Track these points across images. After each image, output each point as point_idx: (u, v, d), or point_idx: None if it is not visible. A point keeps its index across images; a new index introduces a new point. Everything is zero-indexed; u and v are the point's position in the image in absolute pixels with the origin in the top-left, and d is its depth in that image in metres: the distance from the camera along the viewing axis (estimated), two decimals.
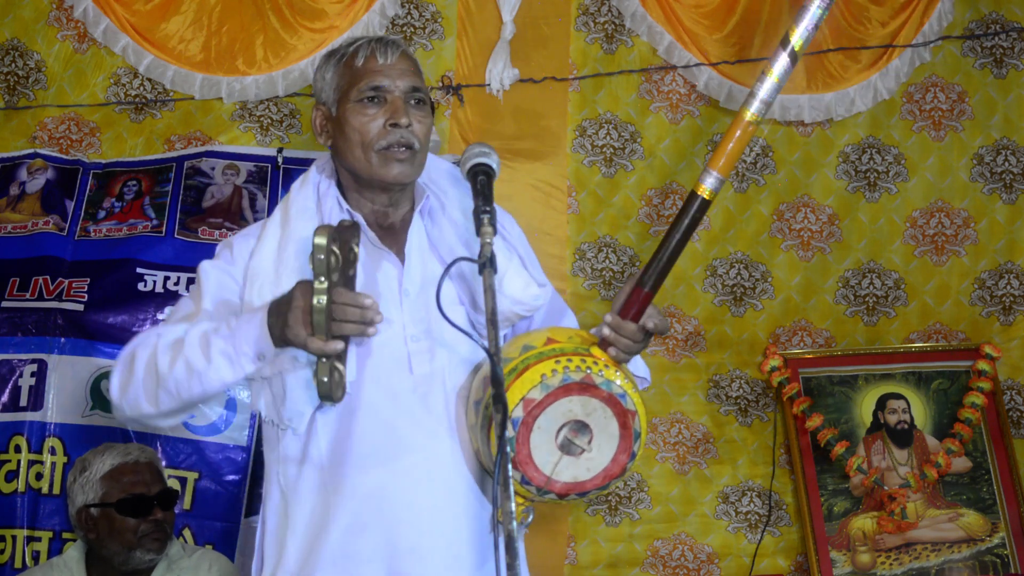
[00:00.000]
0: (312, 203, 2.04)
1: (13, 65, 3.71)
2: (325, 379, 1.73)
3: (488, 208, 1.82)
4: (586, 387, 1.85)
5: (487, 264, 1.75)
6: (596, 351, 1.89)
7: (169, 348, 1.87)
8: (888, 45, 3.75)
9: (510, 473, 1.68)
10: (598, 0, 3.80)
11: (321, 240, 1.68)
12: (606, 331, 1.89)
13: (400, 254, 2.02)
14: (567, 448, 1.87)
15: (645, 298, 1.89)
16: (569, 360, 1.86)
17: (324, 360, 1.73)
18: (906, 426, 3.69)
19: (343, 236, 1.74)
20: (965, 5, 3.85)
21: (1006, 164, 3.83)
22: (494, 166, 1.92)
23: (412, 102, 2.01)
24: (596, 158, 3.77)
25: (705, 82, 3.75)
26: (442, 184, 2.08)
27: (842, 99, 3.74)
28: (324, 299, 1.68)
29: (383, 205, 2.05)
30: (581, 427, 1.87)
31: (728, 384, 3.77)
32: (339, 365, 1.77)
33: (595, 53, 3.79)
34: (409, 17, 3.76)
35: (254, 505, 3.35)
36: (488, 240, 1.78)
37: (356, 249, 1.78)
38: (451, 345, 1.94)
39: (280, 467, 1.99)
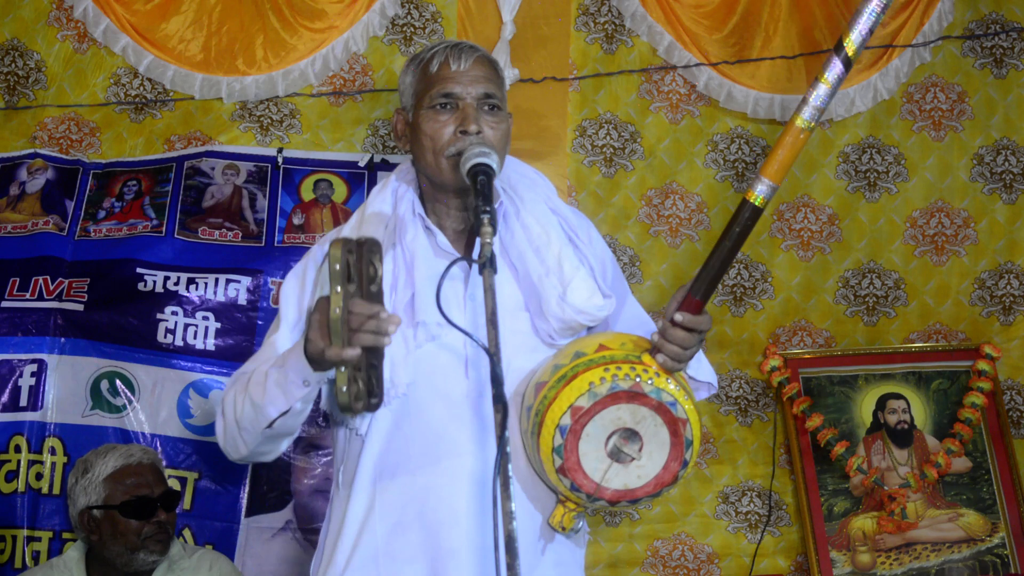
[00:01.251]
0: (388, 207, 2.07)
1: (13, 65, 3.71)
2: (344, 388, 1.74)
3: (488, 208, 1.82)
4: (635, 395, 1.85)
5: (487, 264, 1.75)
6: (647, 358, 1.89)
7: (243, 390, 1.93)
8: (888, 45, 3.75)
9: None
10: (598, 0, 3.79)
11: (335, 251, 1.71)
12: (656, 337, 1.89)
13: (470, 257, 2.02)
14: (617, 456, 1.87)
15: (696, 305, 1.88)
16: (619, 368, 1.86)
17: (343, 370, 1.74)
18: (906, 426, 3.69)
19: (360, 251, 1.75)
20: (965, 5, 3.84)
21: (1006, 164, 3.83)
22: (494, 166, 1.93)
23: (485, 108, 2.02)
24: (596, 158, 3.77)
25: (705, 82, 3.75)
26: (518, 188, 2.08)
27: (842, 99, 3.73)
28: (339, 308, 1.70)
29: (457, 209, 2.06)
30: (631, 435, 1.87)
31: (728, 384, 3.77)
32: (362, 376, 1.77)
33: (595, 53, 3.79)
34: (409, 17, 3.76)
35: (254, 505, 3.35)
36: (488, 240, 1.77)
37: (377, 264, 1.78)
38: (510, 351, 1.91)
39: (342, 465, 2.03)
